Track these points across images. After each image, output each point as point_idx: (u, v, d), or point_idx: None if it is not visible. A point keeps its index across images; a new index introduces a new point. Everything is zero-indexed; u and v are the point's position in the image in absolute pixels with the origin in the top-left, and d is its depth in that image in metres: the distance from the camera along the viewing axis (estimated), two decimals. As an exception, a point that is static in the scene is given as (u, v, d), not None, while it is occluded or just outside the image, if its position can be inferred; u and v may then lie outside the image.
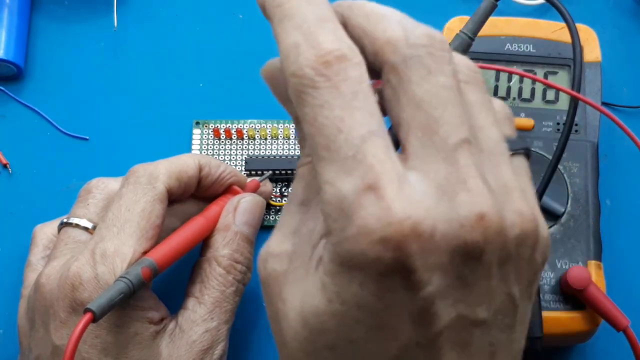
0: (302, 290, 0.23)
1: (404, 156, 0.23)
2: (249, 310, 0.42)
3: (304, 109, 0.23)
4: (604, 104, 0.43)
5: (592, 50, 0.43)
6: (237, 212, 0.38)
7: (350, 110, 0.22)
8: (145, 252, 0.35)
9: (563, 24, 0.39)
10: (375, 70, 0.24)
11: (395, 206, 0.21)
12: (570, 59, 0.41)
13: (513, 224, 0.23)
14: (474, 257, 0.22)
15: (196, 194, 0.39)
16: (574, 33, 0.38)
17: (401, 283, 0.21)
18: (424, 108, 0.23)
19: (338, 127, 0.22)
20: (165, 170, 0.37)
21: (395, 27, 0.24)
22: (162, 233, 0.36)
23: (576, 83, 0.37)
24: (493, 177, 0.23)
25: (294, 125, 0.45)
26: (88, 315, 0.31)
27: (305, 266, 0.24)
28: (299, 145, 0.26)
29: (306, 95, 0.23)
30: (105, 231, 0.35)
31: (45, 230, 0.40)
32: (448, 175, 0.22)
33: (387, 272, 0.21)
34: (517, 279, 0.24)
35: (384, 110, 0.24)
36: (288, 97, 0.25)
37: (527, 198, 0.24)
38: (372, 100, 0.23)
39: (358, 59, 0.23)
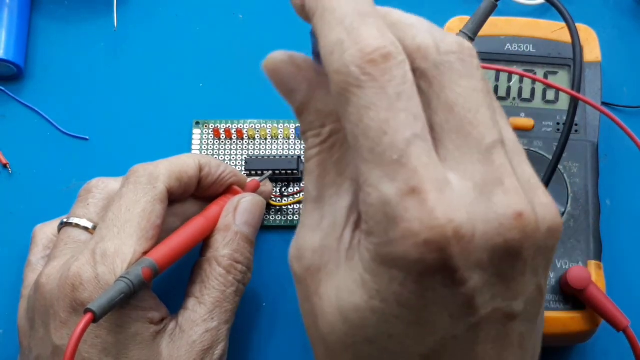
0: (336, 286, 0.24)
1: (439, 158, 0.23)
2: (249, 310, 0.42)
3: (348, 108, 0.23)
4: (604, 104, 0.43)
5: (592, 50, 0.43)
6: (237, 212, 0.38)
7: (395, 112, 0.22)
8: (145, 252, 0.34)
9: (563, 24, 0.39)
10: None
11: (437, 210, 0.22)
12: (570, 59, 0.41)
13: (544, 219, 0.24)
14: (513, 254, 0.23)
15: (196, 194, 0.39)
16: (574, 33, 0.38)
17: (442, 282, 0.22)
18: (458, 111, 0.23)
19: (383, 129, 0.22)
20: (165, 171, 0.37)
21: (425, 35, 0.24)
22: (162, 233, 0.36)
23: (576, 83, 0.37)
24: (520, 175, 0.24)
25: (293, 126, 0.45)
26: (88, 316, 0.31)
27: (335, 259, 0.24)
28: (302, 140, 0.26)
29: (351, 94, 0.23)
30: (106, 231, 0.35)
31: (45, 230, 0.40)
32: (485, 175, 0.23)
33: (429, 272, 0.22)
34: (544, 270, 0.24)
35: None
36: (290, 89, 0.25)
37: (547, 191, 0.25)
38: (416, 101, 0.23)
39: (402, 56, 0.23)
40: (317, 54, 0.25)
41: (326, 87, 0.25)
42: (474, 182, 0.23)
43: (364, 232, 0.23)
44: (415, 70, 0.24)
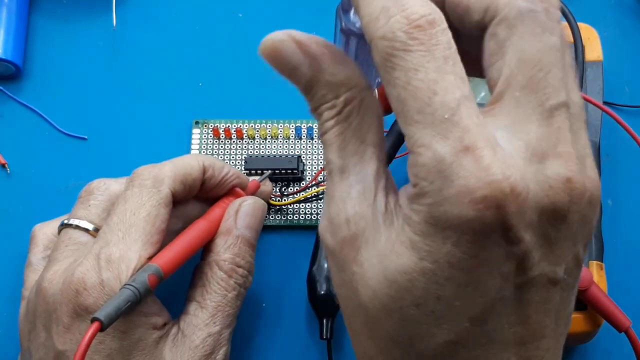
0: (380, 251, 0.24)
1: (493, 112, 0.23)
2: (249, 310, 0.41)
3: (394, 72, 0.23)
4: (605, 103, 0.43)
5: (593, 49, 0.43)
6: (239, 215, 0.38)
7: (443, 74, 0.22)
8: (150, 258, 0.34)
9: (564, 23, 0.39)
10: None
11: (494, 166, 0.22)
12: (572, 58, 0.41)
13: (589, 189, 0.24)
14: (559, 218, 0.23)
15: (198, 195, 0.39)
16: (575, 32, 0.38)
17: (497, 241, 0.22)
18: (531, 67, 0.23)
19: (433, 89, 0.22)
20: (170, 174, 0.36)
21: None
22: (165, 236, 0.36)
23: (577, 82, 0.37)
24: (577, 142, 0.24)
25: (293, 126, 0.45)
26: (96, 325, 0.31)
27: (372, 226, 0.24)
28: (315, 116, 0.26)
29: (397, 58, 0.23)
30: (110, 235, 0.34)
31: (45, 231, 0.40)
32: (540, 136, 0.23)
33: (484, 230, 0.22)
34: (582, 240, 0.24)
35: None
36: (293, 67, 0.25)
37: (594, 163, 0.25)
38: (461, 66, 0.23)
39: (445, 24, 0.23)
40: (346, 31, 0.26)
41: (334, 58, 0.25)
42: (527, 142, 0.23)
43: (413, 194, 0.23)
44: (496, 16, 0.24)
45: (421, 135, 0.22)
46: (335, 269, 0.26)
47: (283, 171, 0.43)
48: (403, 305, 0.24)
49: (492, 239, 0.22)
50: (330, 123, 0.25)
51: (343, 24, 0.26)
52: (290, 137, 0.45)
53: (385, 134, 0.37)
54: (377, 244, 0.24)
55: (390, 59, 0.23)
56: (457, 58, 0.23)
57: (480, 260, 0.23)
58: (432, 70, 0.22)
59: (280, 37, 0.25)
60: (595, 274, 0.38)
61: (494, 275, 0.23)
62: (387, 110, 0.26)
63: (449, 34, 0.23)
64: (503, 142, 0.23)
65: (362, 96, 0.25)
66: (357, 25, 0.26)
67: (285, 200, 0.44)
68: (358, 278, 0.24)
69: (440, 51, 0.23)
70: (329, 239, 0.26)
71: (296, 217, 0.43)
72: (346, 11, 0.26)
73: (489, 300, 0.23)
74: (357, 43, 0.27)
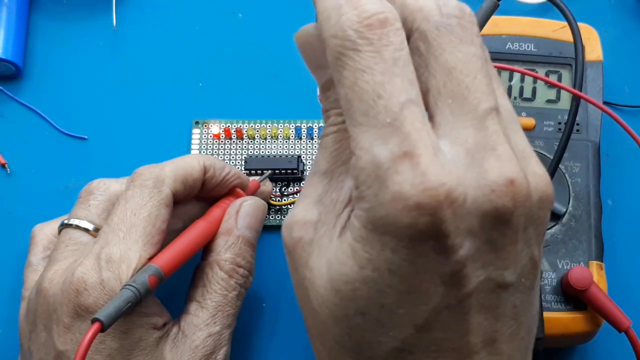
0: (328, 259, 0.24)
1: (432, 123, 0.23)
2: (250, 313, 0.41)
3: (343, 72, 0.23)
4: (605, 103, 0.43)
5: (593, 49, 0.43)
6: (239, 215, 0.38)
7: (390, 76, 0.22)
8: (150, 258, 0.34)
9: (564, 23, 0.39)
10: None
11: (430, 173, 0.22)
12: (572, 58, 0.41)
13: (536, 188, 0.23)
14: (504, 221, 0.23)
15: (199, 195, 0.39)
16: (575, 32, 0.38)
17: (434, 247, 0.22)
18: (455, 75, 0.23)
19: (378, 92, 0.22)
20: (171, 174, 0.36)
21: None
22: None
23: (578, 82, 0.37)
24: (514, 143, 0.24)
25: (293, 126, 0.45)
26: (96, 325, 0.31)
27: (329, 235, 0.24)
28: (323, 116, 0.26)
29: (347, 58, 0.23)
30: (111, 235, 0.34)
31: (45, 231, 0.40)
32: (478, 141, 0.23)
33: (420, 237, 0.22)
34: (537, 241, 0.24)
35: None
36: (319, 64, 0.25)
37: (539, 162, 0.25)
38: (411, 68, 0.23)
39: (399, 24, 0.23)
40: None
41: None
42: (466, 148, 0.23)
43: (354, 198, 0.23)
44: (414, 31, 0.24)
45: (363, 138, 0.22)
46: (291, 268, 0.26)
47: (283, 171, 0.43)
48: (349, 314, 0.24)
49: (429, 246, 0.22)
50: (333, 129, 0.26)
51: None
52: (290, 137, 0.45)
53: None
54: (328, 252, 0.24)
55: (341, 58, 0.23)
56: (408, 59, 0.23)
57: (418, 267, 0.22)
58: (379, 72, 0.22)
59: (314, 31, 0.25)
60: (595, 274, 0.38)
61: (435, 283, 0.23)
62: None
63: (401, 34, 0.23)
64: (445, 148, 0.23)
65: None
66: None
67: (285, 200, 0.44)
68: (308, 283, 0.25)
69: (390, 52, 0.22)
70: (287, 237, 0.26)
71: (296, 217, 0.43)
72: None
73: (432, 308, 0.23)
74: None
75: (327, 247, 0.24)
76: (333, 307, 0.24)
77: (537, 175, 0.24)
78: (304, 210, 0.25)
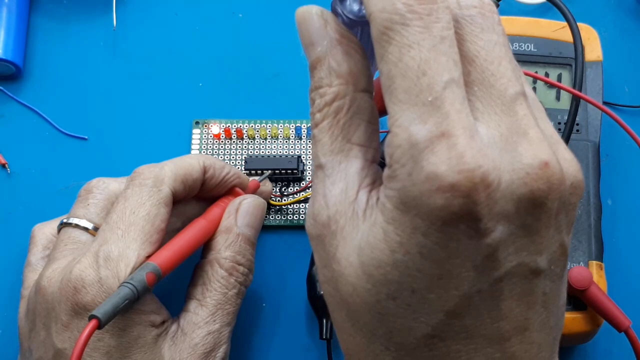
0: (358, 244, 0.24)
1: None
2: (250, 311, 0.41)
3: (388, 47, 0.23)
4: (605, 103, 0.43)
5: (593, 50, 0.43)
6: (239, 214, 0.38)
7: (437, 54, 0.22)
8: (149, 256, 0.34)
9: (564, 23, 0.39)
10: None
11: (467, 155, 0.21)
12: (572, 58, 0.41)
13: (568, 173, 0.23)
14: (539, 204, 0.23)
15: (198, 195, 0.39)
16: (575, 32, 0.38)
17: (466, 232, 0.22)
18: (480, 63, 0.23)
19: (424, 69, 0.22)
20: (171, 173, 0.36)
21: None
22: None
23: (577, 82, 0.37)
24: (544, 130, 0.24)
25: (293, 126, 0.45)
26: (93, 322, 0.31)
27: (351, 222, 0.24)
28: (310, 101, 0.27)
29: (394, 32, 0.22)
30: (109, 233, 0.34)
31: (45, 230, 0.40)
32: (509, 125, 0.23)
33: (452, 220, 0.22)
34: (567, 228, 0.24)
35: None
36: (311, 41, 0.25)
37: (568, 148, 0.24)
38: (456, 49, 0.23)
39: (448, 2, 0.23)
40: (347, 23, 0.26)
41: (344, 48, 0.25)
42: (500, 132, 0.23)
43: (387, 176, 0.23)
44: None
45: (402, 116, 0.22)
46: (320, 265, 0.26)
47: (283, 171, 0.43)
48: (380, 299, 0.24)
49: (461, 230, 0.22)
50: (319, 116, 0.26)
51: (344, 15, 0.26)
52: (290, 137, 0.45)
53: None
54: (355, 239, 0.24)
55: (387, 32, 0.23)
56: (454, 39, 0.23)
57: (450, 251, 0.22)
58: (426, 48, 0.22)
59: (315, 10, 0.26)
60: (595, 274, 0.38)
61: (467, 268, 0.23)
62: (382, 111, 0.26)
63: (449, 14, 0.23)
64: (482, 131, 0.23)
65: (353, 96, 0.25)
66: (356, 9, 0.26)
67: (285, 200, 0.44)
68: (337, 275, 0.25)
69: (439, 30, 0.22)
70: (311, 234, 0.26)
71: (296, 217, 0.43)
72: (342, 1, 0.26)
73: (463, 293, 0.23)
74: (361, 33, 0.27)
75: (353, 234, 0.24)
76: (365, 294, 0.24)
77: (567, 160, 0.24)
78: (320, 207, 0.25)
